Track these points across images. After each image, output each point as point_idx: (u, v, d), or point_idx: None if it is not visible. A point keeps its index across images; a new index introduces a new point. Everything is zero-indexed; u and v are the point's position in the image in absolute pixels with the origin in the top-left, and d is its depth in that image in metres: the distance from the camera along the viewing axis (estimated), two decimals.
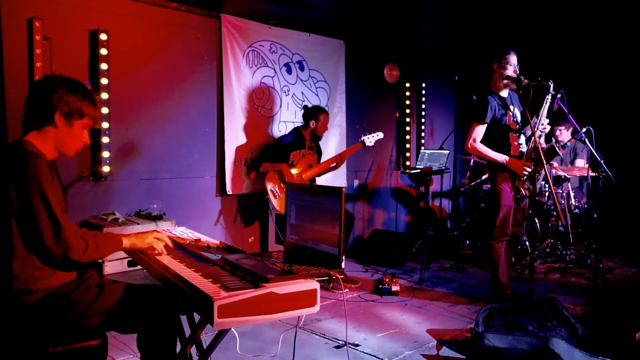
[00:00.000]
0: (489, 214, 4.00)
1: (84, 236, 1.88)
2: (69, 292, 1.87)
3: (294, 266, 1.95)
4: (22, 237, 1.78)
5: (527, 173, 3.77)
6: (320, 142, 5.02)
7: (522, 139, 3.93)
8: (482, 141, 3.89)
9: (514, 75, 3.77)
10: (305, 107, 4.93)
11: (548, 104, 3.76)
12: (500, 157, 3.84)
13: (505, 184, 3.86)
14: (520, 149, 3.90)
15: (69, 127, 1.91)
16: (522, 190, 3.82)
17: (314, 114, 4.72)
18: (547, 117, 3.80)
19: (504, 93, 3.97)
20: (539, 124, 3.76)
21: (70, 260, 1.81)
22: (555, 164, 5.26)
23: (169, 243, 2.23)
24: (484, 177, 5.55)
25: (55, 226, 1.77)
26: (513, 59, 3.83)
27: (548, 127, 3.87)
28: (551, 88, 3.65)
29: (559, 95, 3.87)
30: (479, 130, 3.89)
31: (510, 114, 3.90)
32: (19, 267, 1.79)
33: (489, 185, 4.26)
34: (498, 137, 3.89)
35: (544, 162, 3.48)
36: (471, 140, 3.89)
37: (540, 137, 3.83)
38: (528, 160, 3.80)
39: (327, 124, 4.83)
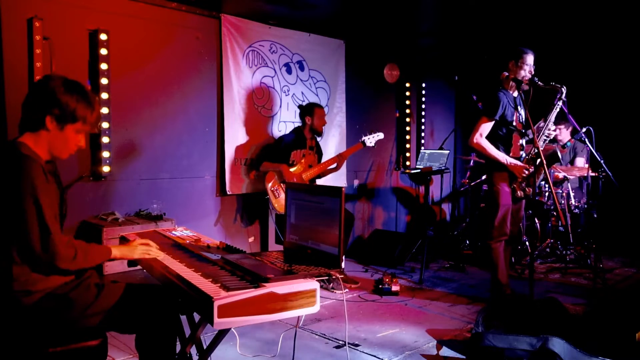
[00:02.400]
0: (487, 214, 3.99)
1: (73, 245, 1.85)
2: (68, 292, 1.87)
3: (294, 266, 1.95)
4: (13, 241, 1.77)
5: (525, 176, 3.76)
6: (321, 143, 5.01)
7: (523, 141, 3.91)
8: (486, 137, 3.86)
9: (528, 77, 3.70)
10: (300, 107, 4.93)
11: (558, 109, 3.71)
12: (503, 158, 3.81)
13: (503, 184, 3.84)
14: (521, 151, 3.88)
15: (59, 130, 1.88)
16: (519, 192, 3.81)
17: (308, 110, 4.71)
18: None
19: (515, 92, 3.92)
20: (545, 129, 3.73)
21: (58, 268, 1.80)
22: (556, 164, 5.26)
23: (155, 247, 2.18)
24: (483, 177, 5.54)
25: (44, 234, 1.75)
26: (530, 59, 3.76)
27: (553, 133, 3.84)
28: (564, 94, 3.61)
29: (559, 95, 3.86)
30: (487, 126, 3.83)
31: (517, 114, 3.89)
32: (18, 268, 1.79)
33: None
34: (503, 137, 3.86)
35: (545, 166, 3.44)
36: (477, 135, 3.82)
37: (545, 141, 3.80)
38: (529, 163, 3.78)
39: (324, 116, 4.80)
